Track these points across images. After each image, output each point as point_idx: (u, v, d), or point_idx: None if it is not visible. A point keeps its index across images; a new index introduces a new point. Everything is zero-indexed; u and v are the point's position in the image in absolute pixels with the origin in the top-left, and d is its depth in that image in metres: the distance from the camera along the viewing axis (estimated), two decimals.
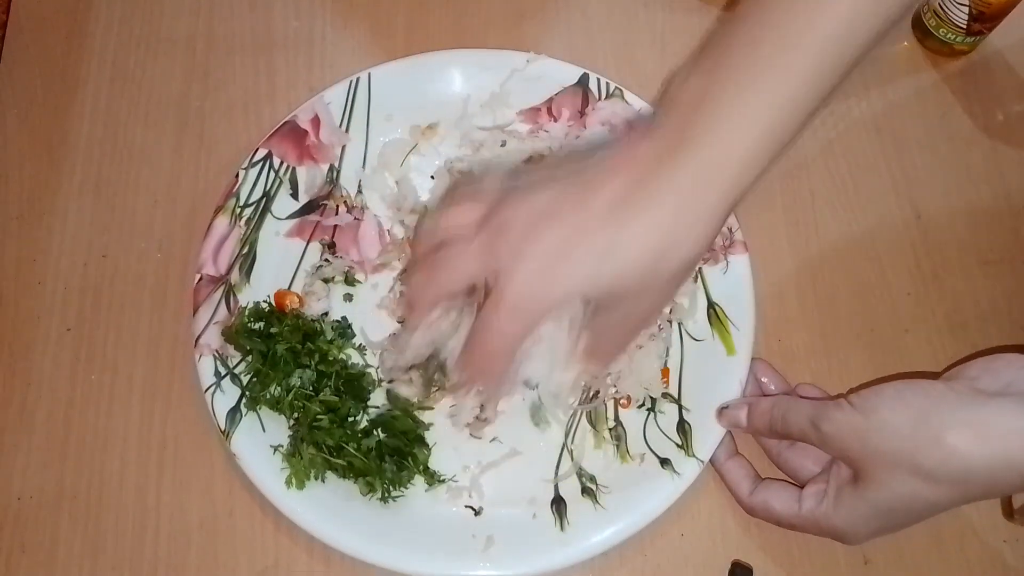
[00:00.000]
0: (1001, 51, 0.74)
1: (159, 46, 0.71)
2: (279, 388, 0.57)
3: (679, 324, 0.62)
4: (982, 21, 0.69)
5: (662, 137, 0.45)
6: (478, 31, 0.73)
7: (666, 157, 0.44)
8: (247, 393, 0.57)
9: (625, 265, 0.45)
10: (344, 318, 0.62)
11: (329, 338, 0.60)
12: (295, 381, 0.57)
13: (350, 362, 0.60)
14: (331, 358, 0.59)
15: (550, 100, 0.68)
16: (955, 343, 0.63)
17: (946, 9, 0.69)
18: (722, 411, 0.57)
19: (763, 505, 0.54)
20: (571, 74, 0.68)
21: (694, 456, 0.57)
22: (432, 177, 0.66)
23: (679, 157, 0.44)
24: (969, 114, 0.71)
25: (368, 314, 0.62)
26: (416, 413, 0.58)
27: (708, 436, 0.57)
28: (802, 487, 0.54)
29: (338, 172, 0.66)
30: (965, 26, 0.69)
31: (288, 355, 0.57)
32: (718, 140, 0.44)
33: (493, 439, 0.59)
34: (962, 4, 0.68)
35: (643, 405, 0.60)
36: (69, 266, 0.64)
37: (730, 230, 0.63)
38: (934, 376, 0.51)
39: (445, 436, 0.58)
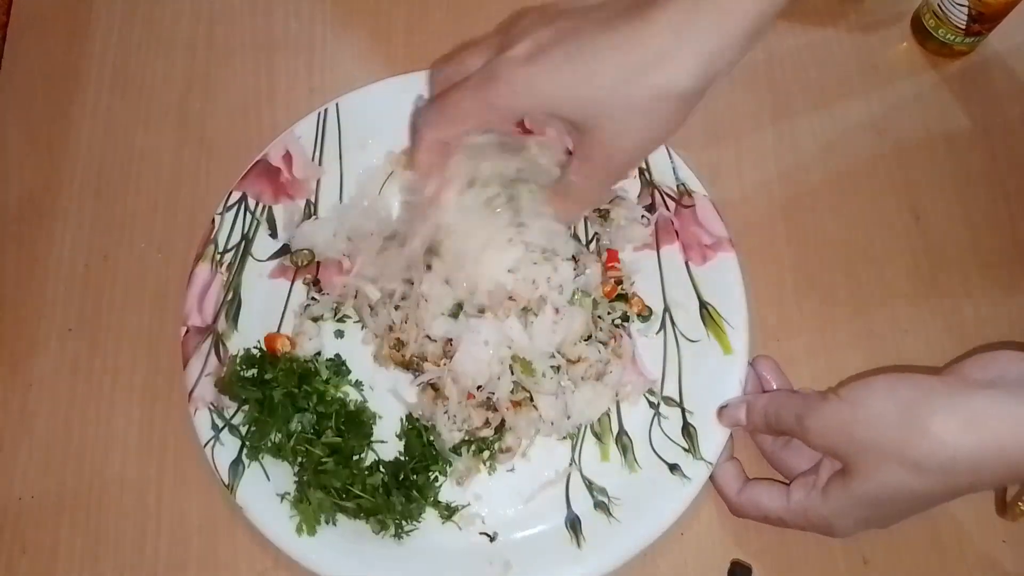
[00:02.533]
0: (1000, 52, 0.74)
1: (160, 49, 0.72)
2: (279, 435, 0.56)
3: (673, 326, 0.62)
4: (981, 22, 0.69)
5: None
6: (478, 33, 0.73)
7: None
8: (247, 443, 0.57)
9: (599, 68, 0.46)
10: (337, 355, 0.61)
11: (325, 378, 0.58)
12: (295, 426, 0.56)
13: (348, 399, 0.59)
14: (329, 398, 0.58)
15: None
16: (953, 344, 0.63)
17: (945, 10, 0.69)
18: (722, 410, 0.57)
19: (751, 501, 0.54)
20: None
21: (702, 458, 0.57)
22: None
23: None
24: (968, 115, 0.71)
25: (362, 348, 0.61)
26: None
27: (714, 437, 0.57)
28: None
29: (315, 207, 0.65)
30: (964, 27, 0.69)
31: (286, 399, 0.56)
32: None
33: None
34: (961, 5, 0.68)
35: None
36: (70, 268, 0.64)
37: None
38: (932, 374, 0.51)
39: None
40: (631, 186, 0.65)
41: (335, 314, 0.62)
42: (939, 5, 0.70)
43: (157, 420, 0.60)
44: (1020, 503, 0.52)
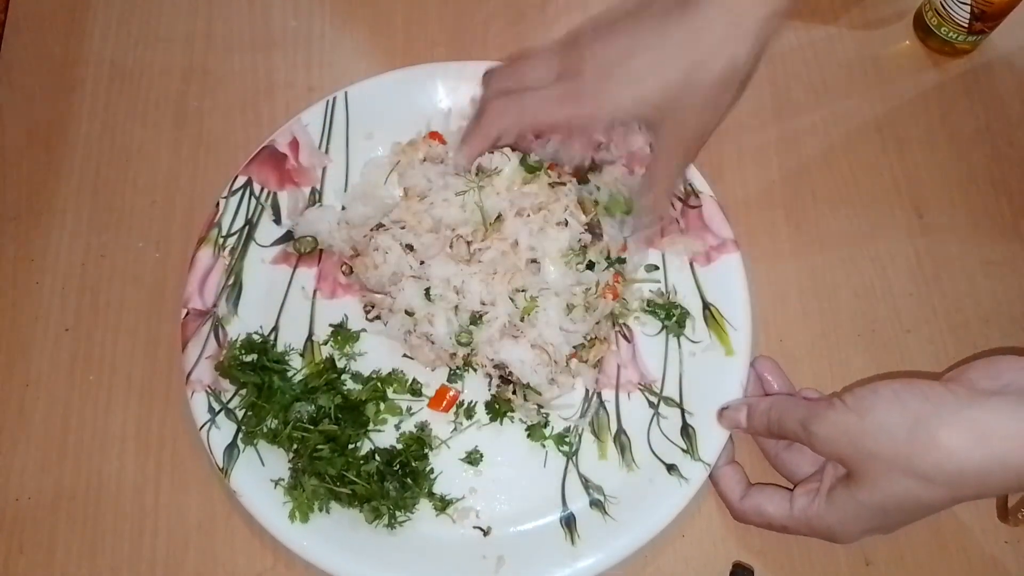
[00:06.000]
0: (1003, 50, 0.73)
1: (157, 45, 0.71)
2: (275, 420, 0.56)
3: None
4: (984, 20, 0.68)
5: None
6: (477, 30, 0.73)
7: None
8: (243, 428, 0.56)
9: (668, 72, 0.51)
10: (343, 322, 0.61)
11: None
12: (294, 414, 0.56)
13: (346, 389, 0.59)
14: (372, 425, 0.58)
15: None
16: (956, 343, 0.63)
17: (948, 8, 0.69)
18: (723, 412, 0.57)
19: (755, 508, 0.54)
20: None
21: (700, 460, 0.56)
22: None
23: None
24: (971, 113, 0.71)
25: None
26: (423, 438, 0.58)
27: (713, 439, 0.57)
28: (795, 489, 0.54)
29: (320, 194, 0.65)
30: (967, 25, 0.69)
31: (286, 386, 0.57)
32: None
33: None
34: (964, 3, 0.67)
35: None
36: (67, 266, 0.64)
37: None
38: (934, 378, 0.51)
39: (449, 459, 0.58)
40: None
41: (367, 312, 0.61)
42: (942, 3, 0.69)
43: (155, 419, 0.60)
44: (1022, 511, 0.52)
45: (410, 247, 0.58)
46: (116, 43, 0.71)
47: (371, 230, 0.60)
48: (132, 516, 0.57)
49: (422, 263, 0.58)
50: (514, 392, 0.58)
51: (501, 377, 0.58)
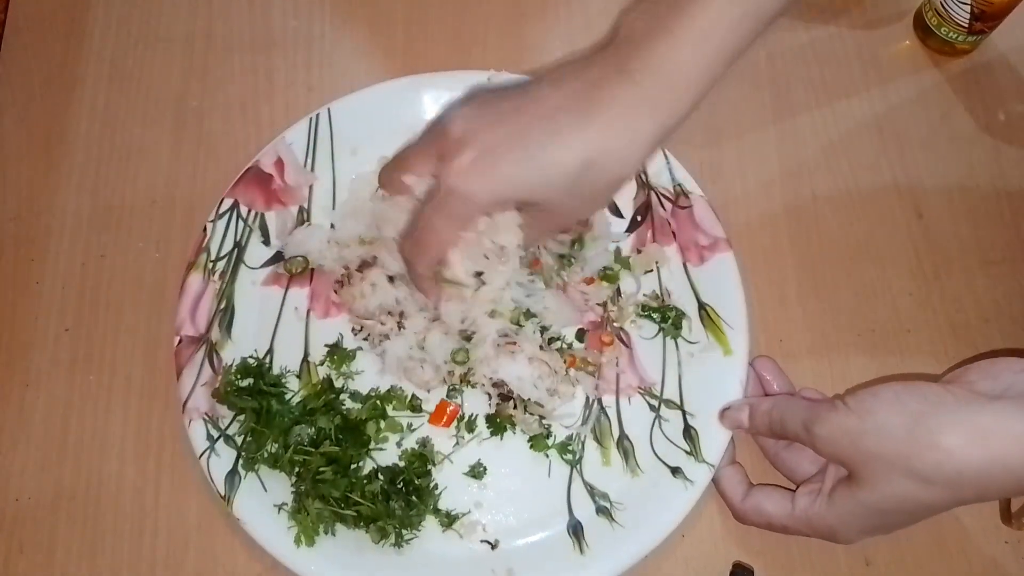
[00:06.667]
0: (1003, 50, 0.73)
1: (157, 45, 0.71)
2: (276, 445, 0.56)
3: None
4: (984, 20, 0.68)
5: (607, 61, 0.49)
6: (477, 29, 0.73)
7: (608, 78, 0.48)
8: (243, 454, 0.56)
9: (552, 173, 0.48)
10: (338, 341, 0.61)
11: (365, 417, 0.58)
12: (294, 437, 0.55)
13: (346, 408, 0.58)
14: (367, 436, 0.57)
15: None
16: (956, 343, 0.63)
17: (948, 8, 0.69)
18: (724, 412, 0.57)
19: (756, 508, 0.54)
20: None
21: (704, 461, 0.56)
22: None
23: (620, 79, 0.48)
24: (971, 113, 0.71)
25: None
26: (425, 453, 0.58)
27: (715, 439, 0.57)
28: (796, 488, 0.54)
29: (308, 213, 0.64)
30: (967, 25, 0.69)
31: (284, 409, 0.56)
32: (656, 68, 0.48)
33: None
34: (964, 3, 0.67)
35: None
36: (67, 266, 0.64)
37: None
38: (934, 378, 0.51)
39: (453, 474, 0.58)
40: (626, 189, 0.64)
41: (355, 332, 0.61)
42: (941, 3, 0.69)
43: (155, 419, 0.60)
44: None
45: (391, 279, 0.58)
46: (116, 43, 0.71)
47: (357, 269, 0.59)
48: (132, 516, 0.57)
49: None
50: (515, 407, 0.58)
51: (500, 395, 0.58)
